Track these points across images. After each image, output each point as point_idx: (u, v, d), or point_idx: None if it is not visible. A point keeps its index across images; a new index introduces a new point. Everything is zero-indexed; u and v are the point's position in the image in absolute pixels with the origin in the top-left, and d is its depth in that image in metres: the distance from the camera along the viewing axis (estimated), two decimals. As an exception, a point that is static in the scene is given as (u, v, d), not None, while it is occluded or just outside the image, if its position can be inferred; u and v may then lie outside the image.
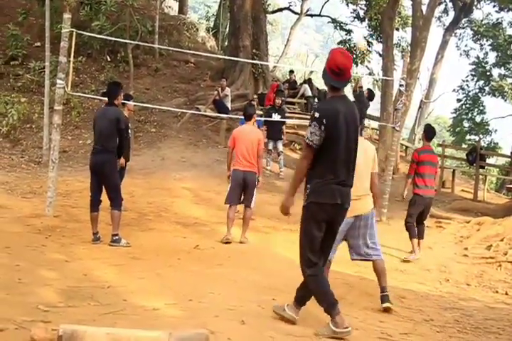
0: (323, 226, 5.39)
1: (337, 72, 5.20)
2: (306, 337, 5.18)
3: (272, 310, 5.72)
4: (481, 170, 18.66)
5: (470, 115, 35.49)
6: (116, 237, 8.73)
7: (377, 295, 7.25)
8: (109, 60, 22.50)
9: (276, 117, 16.39)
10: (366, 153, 7.04)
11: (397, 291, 7.52)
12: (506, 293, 8.55)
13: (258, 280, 7.33)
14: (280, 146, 16.94)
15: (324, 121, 5.13)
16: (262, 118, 15.71)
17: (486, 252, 10.58)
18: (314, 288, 5.48)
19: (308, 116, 20.61)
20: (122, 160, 9.71)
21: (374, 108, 33.52)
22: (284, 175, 16.87)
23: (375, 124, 23.89)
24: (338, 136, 5.20)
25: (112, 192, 8.95)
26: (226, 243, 9.60)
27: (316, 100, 24.93)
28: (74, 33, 10.93)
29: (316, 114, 5.20)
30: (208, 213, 11.92)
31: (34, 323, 4.49)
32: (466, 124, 35.58)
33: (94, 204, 9.04)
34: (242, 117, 11.01)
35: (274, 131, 16.71)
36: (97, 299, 5.66)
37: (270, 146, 16.71)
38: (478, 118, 35.31)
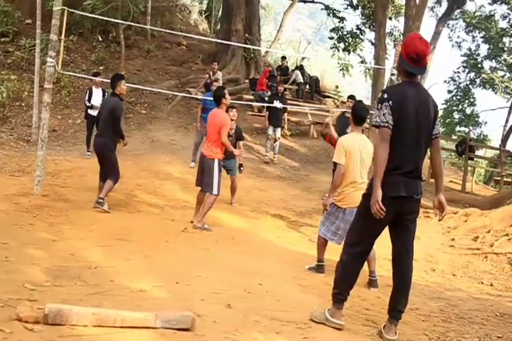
0: (383, 220, 5.01)
1: (415, 58, 5.02)
2: (291, 323, 5.19)
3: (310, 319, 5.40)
4: (469, 161, 18.72)
5: (460, 106, 35.58)
6: (101, 200, 9.61)
7: (365, 286, 7.32)
8: (100, 39, 22.40)
9: (277, 104, 16.47)
10: (367, 147, 7.53)
11: (384, 280, 7.52)
12: (491, 284, 8.59)
13: (245, 265, 7.32)
14: (278, 133, 17.05)
15: (391, 103, 4.94)
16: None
17: (472, 243, 10.60)
18: (340, 271, 5.34)
19: (299, 103, 20.68)
20: (125, 141, 10.53)
21: (365, 96, 33.42)
22: (278, 161, 16.96)
23: (365, 113, 23.86)
24: (405, 122, 4.96)
25: (108, 170, 10.02)
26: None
27: (307, 87, 24.89)
28: (65, 11, 10.88)
29: (385, 95, 5.03)
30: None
31: (20, 301, 4.46)
32: (456, 116, 35.71)
33: (101, 175, 10.23)
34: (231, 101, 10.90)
35: (275, 118, 16.87)
36: (83, 279, 5.63)
37: (270, 131, 16.80)
38: (468, 110, 35.41)
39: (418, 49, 5.02)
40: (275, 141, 17.06)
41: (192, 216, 9.89)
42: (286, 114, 17.58)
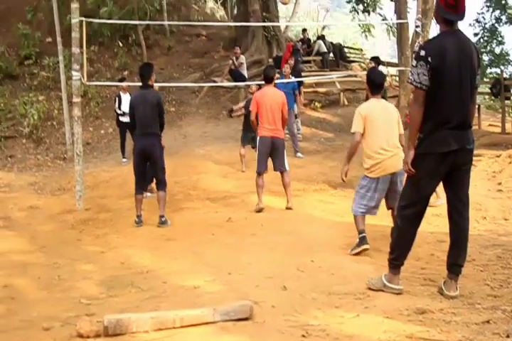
0: (435, 177, 5.05)
1: (452, 4, 4.81)
2: (349, 295, 5.19)
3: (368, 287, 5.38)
4: (506, 101, 18.29)
5: (489, 48, 34.78)
6: (164, 218, 8.98)
7: (417, 245, 7.20)
8: (121, 45, 22.47)
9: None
10: (389, 113, 7.12)
11: (436, 235, 7.46)
12: (546, 224, 8.39)
13: (294, 244, 7.29)
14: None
15: (430, 59, 4.78)
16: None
17: (520, 184, 10.34)
18: (395, 236, 5.37)
19: (325, 73, 20.42)
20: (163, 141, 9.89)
21: (390, 55, 32.87)
22: (302, 136, 16.61)
23: (393, 71, 23.57)
24: (448, 75, 4.82)
25: (160, 174, 9.27)
26: (259, 211, 9.39)
27: (331, 55, 24.73)
28: (84, 22, 10.63)
29: (422, 52, 4.86)
30: (236, 185, 11.83)
31: (79, 317, 4.55)
32: (485, 58, 34.91)
33: (140, 186, 9.33)
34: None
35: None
36: (137, 285, 5.72)
37: None
38: (497, 50, 34.62)
39: None
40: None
41: (238, 205, 9.96)
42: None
